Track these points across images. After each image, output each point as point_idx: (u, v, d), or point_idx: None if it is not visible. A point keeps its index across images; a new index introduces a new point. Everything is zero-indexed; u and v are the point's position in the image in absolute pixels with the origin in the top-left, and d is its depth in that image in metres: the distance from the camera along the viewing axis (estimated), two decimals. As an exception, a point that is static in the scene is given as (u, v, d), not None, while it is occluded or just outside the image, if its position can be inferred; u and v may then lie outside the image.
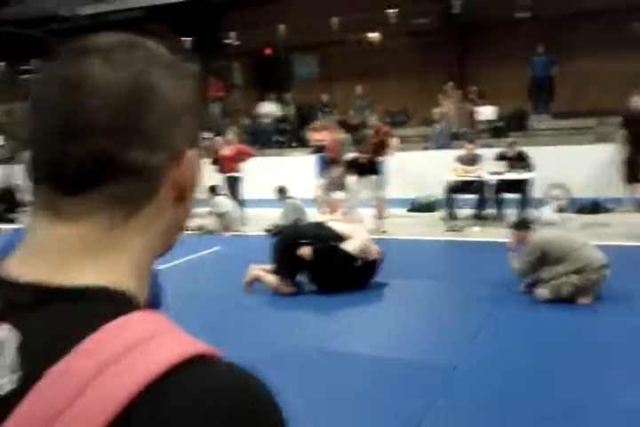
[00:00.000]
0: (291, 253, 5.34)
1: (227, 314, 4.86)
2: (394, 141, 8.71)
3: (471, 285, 5.24)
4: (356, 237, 5.55)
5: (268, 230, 8.13)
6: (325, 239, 5.43)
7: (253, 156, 9.64)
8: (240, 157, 9.33)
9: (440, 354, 3.77)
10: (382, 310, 4.81)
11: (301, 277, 5.44)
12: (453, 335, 4.09)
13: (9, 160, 13.56)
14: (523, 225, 4.94)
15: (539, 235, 4.76)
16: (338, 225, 5.91)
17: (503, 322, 4.30)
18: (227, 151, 9.34)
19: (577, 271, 4.50)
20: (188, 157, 0.53)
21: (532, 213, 7.49)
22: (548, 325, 4.19)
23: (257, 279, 5.45)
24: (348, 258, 5.32)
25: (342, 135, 9.56)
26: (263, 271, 5.51)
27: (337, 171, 8.75)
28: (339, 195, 8.74)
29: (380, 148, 8.24)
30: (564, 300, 4.51)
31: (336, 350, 3.91)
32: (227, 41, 14.22)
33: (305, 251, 5.27)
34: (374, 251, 5.53)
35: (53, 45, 0.55)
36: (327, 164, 9.17)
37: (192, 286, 5.77)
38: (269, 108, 13.43)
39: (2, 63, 15.95)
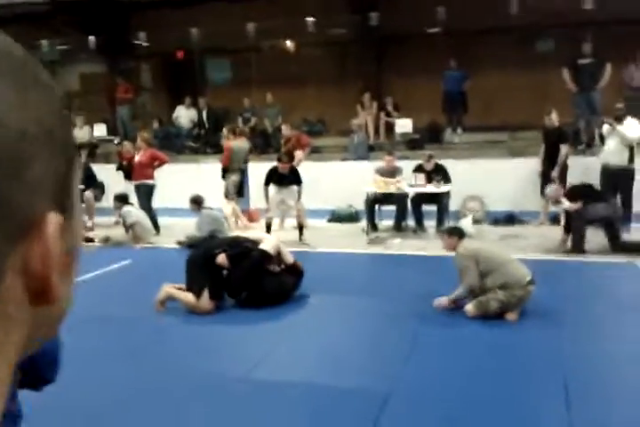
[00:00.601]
0: (206, 266, 5.03)
1: (139, 339, 4.44)
2: (298, 153, 8.68)
3: (397, 300, 5.11)
4: (269, 238, 5.41)
5: (180, 242, 7.69)
6: (238, 245, 5.22)
7: (167, 162, 9.15)
8: (153, 162, 8.81)
9: (373, 379, 3.58)
10: (308, 331, 4.57)
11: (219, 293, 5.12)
12: (384, 357, 3.92)
13: None
14: (456, 232, 4.88)
15: (466, 245, 4.72)
16: (250, 233, 5.82)
17: (433, 341, 4.19)
18: (139, 157, 8.78)
19: (503, 287, 4.48)
20: (49, 226, 0.33)
21: (451, 224, 7.55)
22: (478, 343, 4.12)
23: (170, 297, 5.06)
24: (265, 256, 5.12)
25: (234, 142, 9.09)
26: (176, 288, 5.14)
27: (229, 179, 8.83)
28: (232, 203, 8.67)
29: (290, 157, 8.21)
30: (491, 316, 4.48)
31: (261, 379, 3.63)
32: (136, 42, 13.56)
33: (220, 258, 5.01)
34: (289, 255, 5.35)
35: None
36: (223, 171, 9.00)
37: (100, 307, 5.26)
38: (182, 113, 12.90)
39: None
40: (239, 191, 9.10)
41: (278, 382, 3.57)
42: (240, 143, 9.23)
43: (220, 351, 4.17)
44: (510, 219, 8.56)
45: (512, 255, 4.87)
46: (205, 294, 4.94)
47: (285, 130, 10.41)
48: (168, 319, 4.88)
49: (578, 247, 6.47)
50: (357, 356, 4.02)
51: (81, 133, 12.29)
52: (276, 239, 5.53)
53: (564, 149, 8.17)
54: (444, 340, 4.19)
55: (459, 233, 4.86)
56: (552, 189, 7.05)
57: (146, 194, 8.67)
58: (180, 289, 5.15)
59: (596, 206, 6.56)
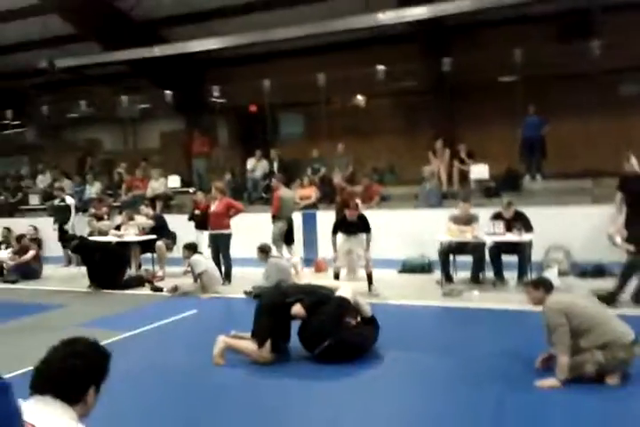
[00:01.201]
0: (277, 314, 4.76)
1: (196, 396, 4.16)
2: (354, 202, 8.50)
3: (477, 360, 4.62)
4: (345, 286, 5.07)
5: (247, 293, 7.49)
6: (314, 293, 4.90)
7: (242, 210, 9.07)
8: (229, 211, 8.76)
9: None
10: (378, 394, 4.13)
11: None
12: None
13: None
14: (543, 284, 4.37)
15: (557, 298, 4.21)
16: (324, 281, 5.52)
17: (519, 408, 3.68)
18: (214, 207, 8.77)
19: (602, 347, 3.93)
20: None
21: (534, 276, 6.99)
22: (573, 411, 3.57)
23: (230, 348, 4.80)
24: (344, 304, 4.76)
25: (283, 192, 9.53)
26: (235, 337, 4.90)
27: (276, 227, 9.20)
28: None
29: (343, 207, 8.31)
30: (587, 380, 3.92)
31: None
32: (212, 98, 14.03)
33: (296, 309, 4.70)
34: (367, 306, 4.99)
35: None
36: (273, 219, 9.42)
37: (160, 357, 5.11)
38: (256, 165, 13.05)
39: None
40: (288, 239, 9.40)
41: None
42: (288, 192, 9.72)
43: (284, 413, 3.82)
44: (599, 271, 7.87)
45: (609, 311, 4.31)
46: (268, 344, 4.67)
47: (337, 178, 10.29)
48: (230, 373, 4.59)
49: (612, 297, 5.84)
50: (432, 424, 3.56)
51: (156, 185, 12.63)
52: (352, 288, 5.17)
53: None
54: (531, 407, 3.66)
55: (546, 285, 4.36)
56: (618, 225, 6.60)
57: (224, 243, 8.60)
58: (238, 338, 4.91)
59: None
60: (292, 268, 8.28)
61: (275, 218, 9.40)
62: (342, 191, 10.06)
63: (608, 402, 3.69)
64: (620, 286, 6.25)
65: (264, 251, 7.62)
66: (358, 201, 8.80)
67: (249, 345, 4.78)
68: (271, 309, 4.81)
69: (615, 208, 7.78)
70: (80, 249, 9.22)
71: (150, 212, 10.18)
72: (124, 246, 9.38)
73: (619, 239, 6.52)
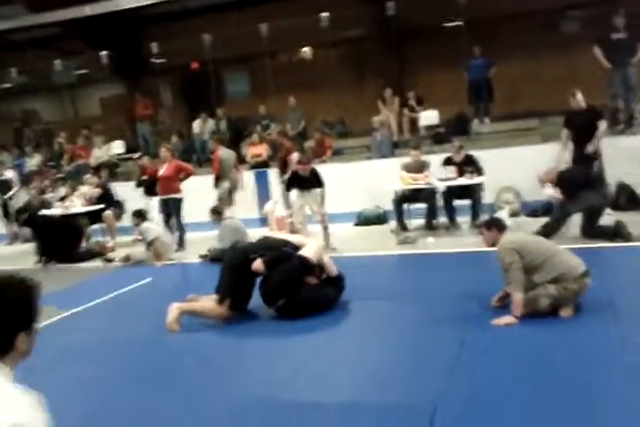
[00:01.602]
0: (240, 270, 4.66)
1: (160, 361, 4.07)
2: (293, 156, 8.36)
3: (436, 303, 4.64)
4: (312, 243, 4.95)
5: (203, 256, 7.35)
6: (277, 248, 4.79)
7: (192, 173, 8.79)
8: (179, 174, 8.46)
9: (417, 394, 3.13)
10: (344, 342, 4.12)
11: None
12: (428, 368, 3.45)
13: None
14: (495, 225, 4.37)
15: (509, 238, 4.22)
16: (287, 236, 5.39)
17: (479, 346, 3.70)
18: (163, 170, 8.45)
19: (554, 281, 3.97)
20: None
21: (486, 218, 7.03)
22: (530, 345, 3.61)
23: (185, 312, 4.69)
24: (305, 264, 4.67)
25: (222, 152, 9.45)
26: (190, 301, 4.80)
27: (221, 187, 9.21)
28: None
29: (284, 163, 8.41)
30: (542, 313, 3.97)
31: (291, 400, 3.20)
32: (151, 58, 13.43)
33: (256, 264, 4.60)
34: (332, 265, 4.92)
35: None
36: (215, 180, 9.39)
37: (120, 329, 4.98)
38: (202, 126, 12.66)
39: None
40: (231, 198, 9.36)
41: (308, 402, 3.14)
42: (228, 152, 9.59)
43: (246, 369, 3.76)
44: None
45: (560, 246, 4.34)
46: (227, 301, 4.61)
47: (273, 135, 10.04)
48: (189, 336, 4.50)
49: (546, 233, 5.87)
50: (399, 368, 3.56)
51: (100, 153, 12.17)
52: (319, 245, 5.07)
53: (602, 125, 7.57)
54: (491, 344, 3.69)
55: (498, 225, 4.35)
56: (547, 170, 6.66)
57: (175, 208, 8.34)
58: (193, 300, 4.81)
59: (586, 196, 6.24)
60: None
61: (218, 179, 9.31)
62: (281, 147, 9.80)
63: (562, 333, 3.74)
64: (554, 229, 6.27)
65: (217, 212, 7.43)
66: (295, 155, 8.51)
67: (205, 304, 4.70)
68: (234, 266, 4.72)
69: (561, 145, 7.87)
70: (30, 223, 8.83)
71: (95, 180, 9.79)
72: (72, 218, 9.04)
73: (548, 189, 6.60)
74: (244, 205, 9.58)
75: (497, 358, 3.47)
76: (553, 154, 8.52)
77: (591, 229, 6.31)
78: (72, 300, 6.02)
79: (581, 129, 7.65)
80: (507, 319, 3.95)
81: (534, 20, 11.32)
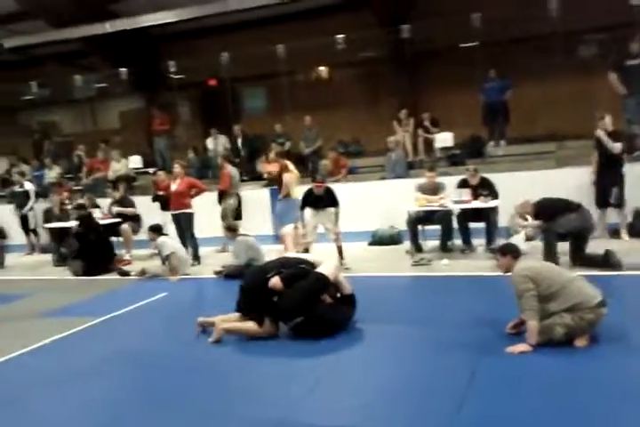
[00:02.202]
0: (262, 291, 4.70)
1: (171, 379, 4.10)
2: (286, 177, 8.44)
3: (450, 328, 4.65)
4: (328, 262, 4.99)
5: (217, 272, 7.40)
6: (292, 266, 4.84)
7: (205, 190, 8.99)
8: (190, 191, 8.63)
9: (427, 421, 3.13)
10: (355, 365, 4.13)
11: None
12: (439, 395, 3.45)
13: None
14: (510, 250, 4.38)
15: (523, 265, 4.24)
16: (303, 255, 5.44)
17: (492, 374, 3.69)
18: (176, 186, 8.61)
19: (570, 310, 3.98)
20: None
21: (501, 242, 7.04)
22: (545, 375, 3.61)
23: (228, 332, 4.76)
24: (322, 281, 4.70)
25: (231, 169, 9.60)
26: (232, 321, 4.83)
27: (226, 203, 9.34)
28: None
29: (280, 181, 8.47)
30: (557, 343, 3.97)
31: (302, 422, 3.22)
32: (170, 74, 13.64)
33: (273, 281, 4.65)
34: (347, 284, 4.95)
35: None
36: (219, 196, 9.46)
37: (133, 343, 5.01)
38: (215, 142, 12.80)
39: None
40: (237, 214, 9.46)
41: (316, 425, 3.16)
42: (234, 169, 9.76)
43: (259, 390, 3.78)
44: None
45: (575, 274, 4.36)
46: (268, 320, 4.68)
47: (271, 155, 10.10)
48: (205, 353, 4.54)
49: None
50: (409, 395, 3.56)
51: (118, 166, 12.33)
52: (336, 263, 5.11)
53: (618, 146, 7.59)
54: (505, 373, 3.69)
55: (513, 252, 4.37)
56: (521, 203, 6.70)
57: (187, 223, 8.47)
58: (232, 320, 4.88)
59: (568, 217, 6.23)
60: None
61: (224, 194, 9.42)
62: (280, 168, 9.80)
63: (577, 364, 3.74)
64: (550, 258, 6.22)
65: (232, 229, 7.51)
66: (287, 176, 8.52)
67: (248, 326, 4.72)
68: (256, 288, 4.75)
69: (593, 167, 7.91)
70: (83, 223, 8.78)
71: (117, 194, 9.90)
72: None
73: (520, 221, 6.63)
74: (258, 222, 9.67)
75: (510, 387, 3.47)
76: (568, 178, 8.58)
77: (579, 257, 6.29)
78: (88, 311, 6.11)
79: (607, 155, 7.68)
80: (521, 347, 3.96)
81: (550, 42, 11.38)
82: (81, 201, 9.80)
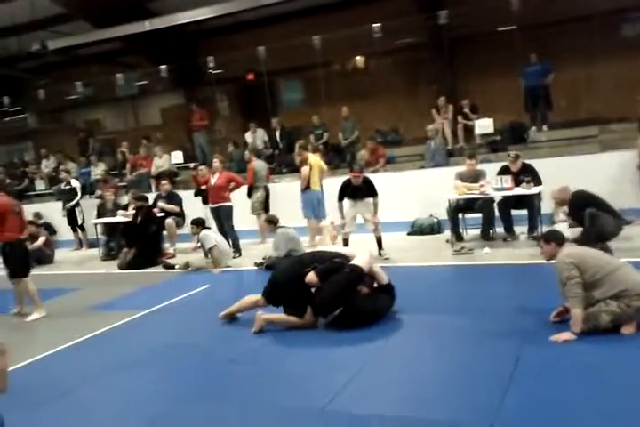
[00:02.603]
0: (300, 286, 4.75)
1: (214, 370, 4.19)
2: (303, 170, 8.60)
3: (492, 317, 4.60)
4: (362, 253, 5.01)
5: (258, 264, 7.50)
6: (327, 260, 4.88)
7: (243, 184, 9.14)
8: (229, 185, 8.76)
9: (469, 411, 3.12)
10: (396, 355, 4.14)
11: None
12: (482, 385, 3.43)
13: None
14: (554, 237, 4.29)
15: (568, 251, 4.15)
16: (342, 248, 5.48)
17: (536, 363, 3.64)
18: (215, 180, 8.75)
19: (616, 297, 3.88)
20: None
21: (544, 229, 6.90)
22: (589, 363, 3.54)
23: (270, 322, 4.86)
24: (357, 273, 4.74)
25: (256, 163, 9.74)
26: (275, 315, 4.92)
27: (254, 196, 9.60)
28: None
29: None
30: (603, 330, 3.89)
31: (341, 411, 3.25)
32: (208, 69, 13.80)
33: (310, 276, 4.69)
34: (383, 274, 4.96)
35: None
36: (249, 190, 9.69)
37: (178, 335, 5.15)
38: (254, 137, 12.90)
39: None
40: (265, 207, 9.69)
41: (360, 415, 3.19)
42: (260, 163, 9.91)
43: (300, 379, 3.83)
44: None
45: (622, 260, 4.25)
46: (309, 311, 4.75)
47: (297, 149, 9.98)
48: (246, 344, 4.62)
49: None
50: (451, 384, 3.56)
51: (160, 162, 12.56)
52: (369, 255, 5.12)
53: None
54: (549, 362, 3.63)
55: (557, 238, 4.28)
56: (560, 188, 6.40)
57: (226, 216, 8.61)
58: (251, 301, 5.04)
59: (607, 220, 5.98)
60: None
61: (252, 188, 9.66)
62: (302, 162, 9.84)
63: (623, 352, 3.65)
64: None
65: (272, 222, 7.59)
66: (304, 169, 8.64)
67: (290, 319, 4.80)
68: (294, 283, 4.79)
69: (638, 151, 7.65)
70: (146, 215, 9.05)
71: (163, 189, 10.03)
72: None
73: (562, 216, 6.41)
74: (291, 214, 9.72)
75: (554, 376, 3.42)
76: (613, 162, 8.34)
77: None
78: (132, 305, 6.29)
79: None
80: (565, 336, 3.89)
81: (592, 23, 11.02)
82: (136, 194, 10.00)
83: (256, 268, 7.50)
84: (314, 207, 8.65)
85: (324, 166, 9.22)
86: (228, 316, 5.20)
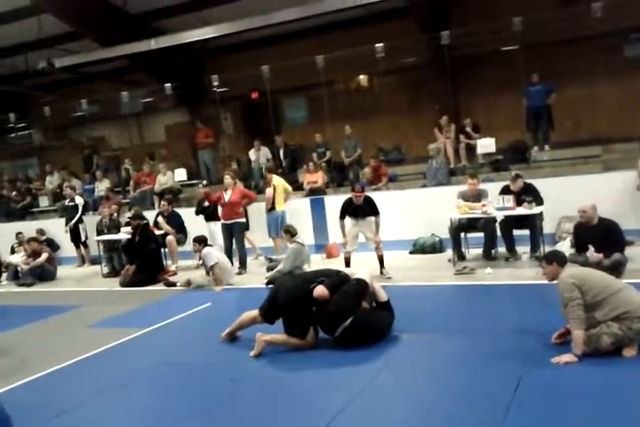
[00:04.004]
0: (305, 304, 4.73)
1: (215, 390, 4.16)
2: (267, 192, 8.92)
3: (494, 337, 4.58)
4: (363, 271, 5.06)
5: (269, 282, 7.37)
6: (332, 275, 4.91)
7: (255, 199, 9.24)
8: (243, 200, 8.87)
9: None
10: (396, 375, 4.12)
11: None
12: (483, 406, 3.40)
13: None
14: (555, 258, 4.28)
15: (570, 272, 4.14)
16: (339, 267, 5.51)
17: (537, 385, 3.61)
18: (229, 196, 8.78)
19: (617, 319, 3.87)
20: None
21: (546, 249, 6.89)
22: (592, 386, 3.52)
23: (271, 344, 4.80)
24: (362, 286, 4.78)
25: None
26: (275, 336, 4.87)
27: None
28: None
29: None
30: (604, 353, 3.86)
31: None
32: (213, 87, 13.93)
33: (319, 290, 4.67)
34: (382, 291, 4.99)
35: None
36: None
37: (177, 353, 5.12)
38: (257, 154, 12.96)
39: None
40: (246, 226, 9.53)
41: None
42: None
43: (300, 401, 3.81)
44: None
45: (623, 281, 4.23)
46: (311, 332, 4.72)
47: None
48: (247, 363, 4.59)
49: None
50: (452, 405, 3.53)
51: (164, 179, 12.61)
52: (369, 273, 5.12)
53: None
54: (550, 383, 3.61)
55: (559, 259, 4.27)
56: (592, 205, 6.36)
57: (238, 232, 8.68)
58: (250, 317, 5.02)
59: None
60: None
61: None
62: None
63: (624, 374, 3.63)
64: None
65: (289, 232, 7.60)
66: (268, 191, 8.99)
67: (291, 340, 4.74)
68: (298, 301, 4.75)
69: (638, 172, 7.66)
70: (143, 233, 9.00)
71: (168, 208, 10.00)
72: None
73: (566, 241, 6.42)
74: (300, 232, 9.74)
75: (555, 398, 3.40)
76: (615, 183, 8.35)
77: None
78: (133, 323, 6.27)
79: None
80: (567, 358, 3.87)
81: (594, 43, 11.12)
82: (136, 212, 10.01)
83: (262, 286, 7.39)
84: (277, 227, 9.01)
85: (289, 188, 9.66)
86: (229, 335, 5.19)
